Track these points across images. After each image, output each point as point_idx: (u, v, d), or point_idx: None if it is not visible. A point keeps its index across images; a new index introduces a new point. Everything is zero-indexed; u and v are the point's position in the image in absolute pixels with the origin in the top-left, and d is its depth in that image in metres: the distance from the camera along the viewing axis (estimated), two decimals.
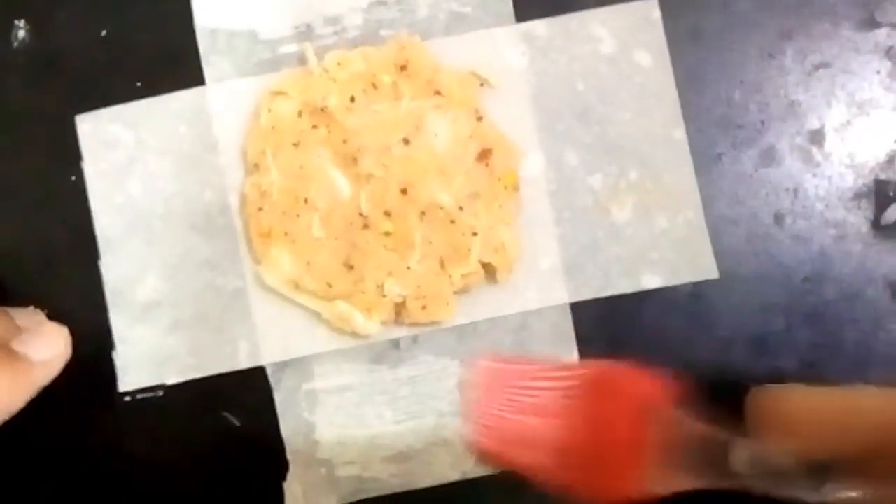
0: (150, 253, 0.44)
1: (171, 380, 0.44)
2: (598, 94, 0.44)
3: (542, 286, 0.43)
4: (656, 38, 0.44)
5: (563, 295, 0.43)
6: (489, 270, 0.43)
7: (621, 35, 0.44)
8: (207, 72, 0.44)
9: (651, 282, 0.43)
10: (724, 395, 0.33)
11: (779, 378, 0.42)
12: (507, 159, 0.43)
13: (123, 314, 0.44)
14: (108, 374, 0.44)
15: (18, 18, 0.45)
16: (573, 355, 0.43)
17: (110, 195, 0.44)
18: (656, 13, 0.44)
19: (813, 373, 0.43)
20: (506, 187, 0.43)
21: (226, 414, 0.44)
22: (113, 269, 0.44)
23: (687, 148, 0.43)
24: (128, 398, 0.44)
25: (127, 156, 0.44)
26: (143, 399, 0.44)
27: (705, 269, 0.43)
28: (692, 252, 0.43)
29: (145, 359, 0.44)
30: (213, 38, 0.44)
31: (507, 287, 0.43)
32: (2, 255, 0.44)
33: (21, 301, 0.43)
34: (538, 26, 0.44)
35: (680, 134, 0.43)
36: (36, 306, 0.43)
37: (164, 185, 0.44)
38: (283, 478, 0.43)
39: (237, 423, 0.44)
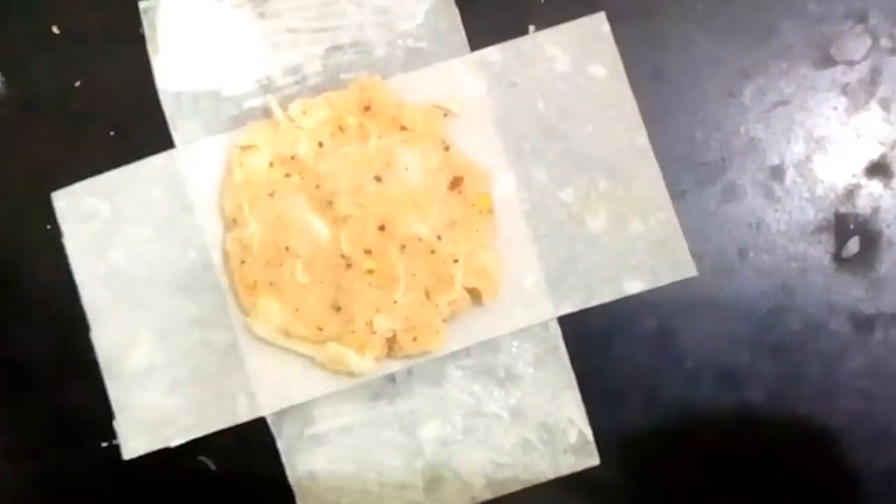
0: (138, 318, 0.44)
1: (174, 442, 0.44)
2: (559, 111, 0.45)
3: (527, 304, 0.44)
4: (608, 49, 0.45)
5: (549, 310, 0.44)
6: (474, 295, 0.43)
7: (574, 51, 0.45)
8: (176, 135, 0.45)
9: (633, 287, 0.44)
10: None
11: (746, 409, 0.43)
12: (478, 184, 0.44)
13: (119, 382, 0.44)
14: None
15: None
16: (567, 370, 0.44)
17: (93, 266, 0.45)
18: (605, 26, 0.45)
19: (778, 404, 0.44)
20: (480, 212, 0.43)
21: (207, 462, 0.44)
22: (104, 339, 0.44)
23: (651, 152, 0.44)
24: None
25: (105, 226, 0.45)
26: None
27: (683, 267, 0.44)
28: (669, 252, 0.44)
29: (146, 424, 0.44)
30: (177, 102, 0.45)
31: (494, 309, 0.44)
32: None
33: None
34: (492, 53, 0.45)
35: (642, 140, 0.44)
36: (10, 358, 0.44)
37: (146, 251, 0.45)
38: None
39: (238, 472, 0.44)
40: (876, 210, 0.44)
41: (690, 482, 0.44)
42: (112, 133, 0.45)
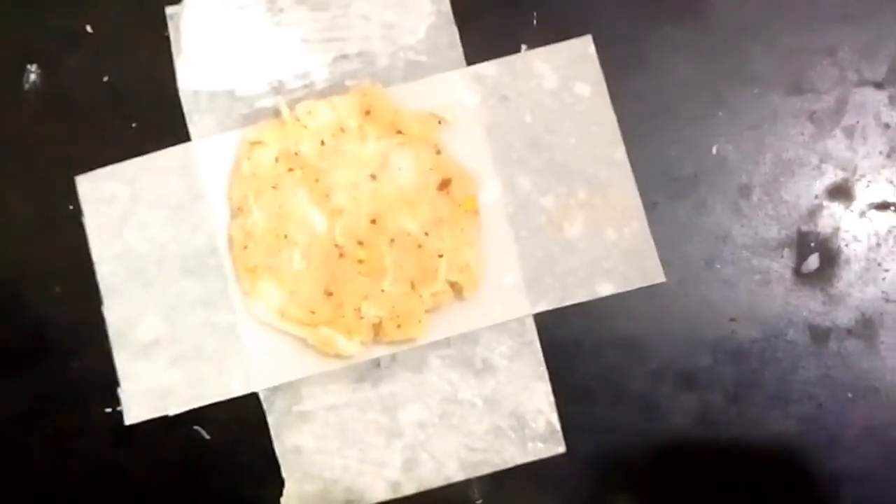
0: (148, 295, 0.48)
1: (172, 410, 0.47)
2: (545, 124, 0.48)
3: (506, 300, 0.47)
4: (593, 70, 0.49)
5: (525, 307, 0.47)
6: (456, 289, 0.47)
7: (561, 70, 0.49)
8: (192, 129, 0.49)
9: (605, 289, 0.47)
10: None
11: (704, 409, 0.46)
12: (465, 187, 0.47)
13: (126, 353, 0.48)
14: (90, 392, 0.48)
15: (31, 63, 0.50)
16: (539, 364, 0.47)
17: (109, 245, 0.48)
18: (591, 48, 0.49)
19: (735, 406, 0.47)
20: (466, 212, 0.47)
21: (202, 432, 0.48)
22: (115, 312, 0.48)
23: (628, 166, 0.48)
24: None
25: (123, 209, 0.49)
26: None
27: (652, 273, 0.47)
28: (640, 259, 0.47)
29: (148, 393, 0.48)
30: (195, 99, 0.49)
31: (474, 303, 0.47)
32: (2, 276, 0.49)
33: (20, 319, 0.48)
34: (487, 68, 0.49)
35: (621, 154, 0.48)
36: (27, 326, 0.48)
37: (158, 234, 0.49)
38: (280, 494, 0.47)
39: (230, 443, 0.47)
40: (836, 230, 0.48)
41: (648, 473, 0.47)
42: (134, 125, 0.49)
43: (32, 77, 0.50)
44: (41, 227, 0.49)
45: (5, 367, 0.48)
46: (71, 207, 0.49)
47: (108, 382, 0.48)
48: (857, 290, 0.47)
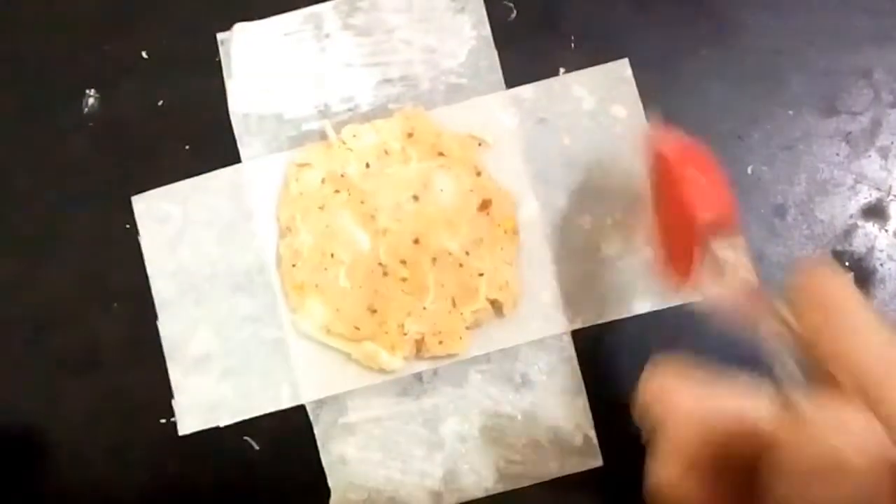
0: (200, 311, 0.50)
1: (224, 422, 0.49)
2: (582, 145, 0.50)
3: (544, 317, 0.49)
4: (629, 92, 0.50)
5: (563, 324, 0.49)
6: (496, 306, 0.48)
7: (598, 92, 0.50)
8: (242, 151, 0.51)
9: (641, 307, 0.48)
10: None
11: None
12: (505, 208, 0.49)
13: (180, 366, 0.50)
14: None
15: (89, 88, 0.52)
16: (577, 379, 0.48)
17: (164, 263, 0.51)
18: (627, 71, 0.50)
19: None
20: (505, 232, 0.48)
21: (251, 443, 0.49)
22: (169, 327, 0.50)
23: None
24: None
25: (176, 228, 0.51)
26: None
27: (688, 292, 0.48)
28: None
29: (200, 405, 0.50)
30: (245, 122, 0.51)
31: (513, 320, 0.49)
32: (60, 294, 0.51)
33: (79, 332, 0.50)
34: (525, 91, 0.50)
35: None
36: (87, 339, 0.50)
37: (210, 252, 0.51)
38: (327, 503, 0.49)
39: (278, 453, 0.49)
40: (871, 249, 0.48)
41: None
42: (187, 147, 0.51)
43: (91, 101, 0.52)
44: (99, 245, 0.51)
45: (65, 379, 0.50)
46: (127, 226, 0.51)
47: (162, 394, 0.50)
48: (892, 308, 0.48)
